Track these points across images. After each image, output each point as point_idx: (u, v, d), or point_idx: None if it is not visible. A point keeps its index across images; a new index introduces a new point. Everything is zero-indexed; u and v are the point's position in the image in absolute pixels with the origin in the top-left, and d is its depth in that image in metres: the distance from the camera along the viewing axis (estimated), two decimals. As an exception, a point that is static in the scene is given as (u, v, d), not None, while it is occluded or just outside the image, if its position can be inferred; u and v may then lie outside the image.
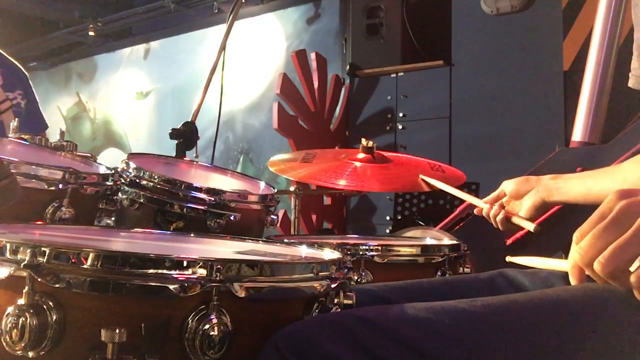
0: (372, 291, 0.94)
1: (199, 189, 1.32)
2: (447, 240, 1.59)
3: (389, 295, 0.93)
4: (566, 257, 0.84)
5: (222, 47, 2.01)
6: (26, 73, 2.66)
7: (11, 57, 2.65)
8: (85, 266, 0.65)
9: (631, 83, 1.11)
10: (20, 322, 0.62)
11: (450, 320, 0.66)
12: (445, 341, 0.65)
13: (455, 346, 0.64)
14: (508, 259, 0.96)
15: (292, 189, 2.22)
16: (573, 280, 0.71)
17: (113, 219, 1.38)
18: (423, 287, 0.98)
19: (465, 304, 0.69)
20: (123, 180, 1.34)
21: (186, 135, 1.80)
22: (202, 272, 0.67)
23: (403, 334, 0.65)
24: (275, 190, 1.57)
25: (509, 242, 2.30)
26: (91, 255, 0.66)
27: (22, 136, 1.48)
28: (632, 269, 0.64)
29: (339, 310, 0.78)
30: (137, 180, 1.32)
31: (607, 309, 0.69)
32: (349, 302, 0.79)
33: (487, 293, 0.95)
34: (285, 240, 1.19)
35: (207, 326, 0.65)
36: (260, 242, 1.10)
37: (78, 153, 1.50)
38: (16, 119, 1.59)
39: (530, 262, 0.93)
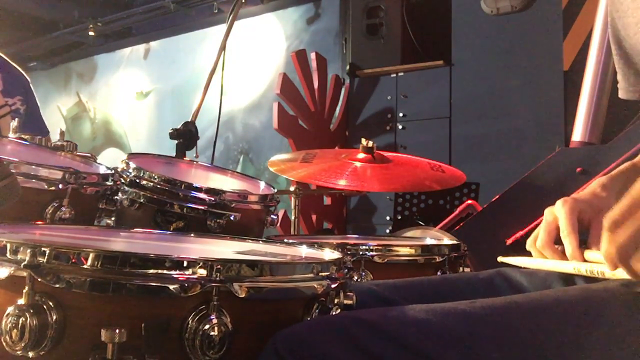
0: (371, 290, 0.94)
1: (199, 189, 1.32)
2: (447, 240, 1.59)
3: (388, 293, 0.93)
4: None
5: (222, 47, 2.01)
6: (28, 78, 2.65)
7: (11, 57, 2.64)
8: (85, 266, 0.65)
9: (621, 94, 1.14)
10: (20, 322, 0.62)
11: (450, 321, 0.67)
12: (445, 343, 0.65)
13: (455, 347, 0.64)
14: (499, 259, 0.97)
15: (292, 189, 2.22)
16: (610, 267, 0.69)
17: (113, 219, 1.38)
18: (423, 285, 0.98)
19: (465, 305, 0.70)
20: (123, 180, 1.34)
21: (186, 135, 1.80)
22: (202, 272, 0.67)
23: (403, 336, 0.65)
24: (275, 190, 1.57)
25: (509, 242, 2.30)
26: (91, 255, 0.66)
27: (22, 136, 1.48)
28: None
29: (339, 310, 0.78)
30: (137, 180, 1.32)
31: (606, 311, 0.69)
32: (349, 302, 0.79)
33: (486, 292, 0.95)
34: (285, 240, 1.19)
35: (207, 326, 0.65)
36: (261, 242, 1.10)
37: (78, 153, 1.50)
38: (16, 119, 1.59)
39: (522, 262, 0.94)
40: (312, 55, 4.19)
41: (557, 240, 0.90)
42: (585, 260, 0.84)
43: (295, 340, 0.66)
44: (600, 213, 0.89)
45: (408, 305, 0.71)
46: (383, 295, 0.92)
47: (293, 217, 2.21)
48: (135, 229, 1.15)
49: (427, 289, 0.97)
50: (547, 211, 0.92)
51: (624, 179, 0.98)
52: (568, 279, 0.92)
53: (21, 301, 0.63)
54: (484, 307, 0.69)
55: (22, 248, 0.66)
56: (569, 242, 0.86)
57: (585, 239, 0.89)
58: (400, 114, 4.02)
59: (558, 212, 0.89)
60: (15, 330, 0.62)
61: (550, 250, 0.90)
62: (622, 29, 1.04)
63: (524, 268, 0.95)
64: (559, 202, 0.90)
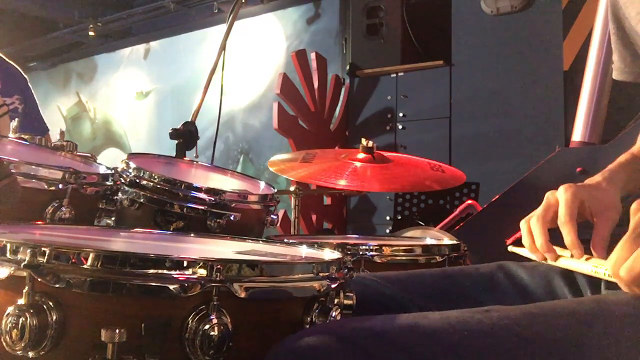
0: (373, 282, 0.93)
1: (199, 189, 1.32)
2: (447, 240, 1.59)
3: (390, 287, 0.92)
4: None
5: (222, 47, 2.01)
6: (26, 77, 2.65)
7: (11, 57, 2.64)
8: (85, 266, 0.65)
9: (615, 75, 1.14)
10: (20, 322, 0.62)
11: (468, 332, 0.65)
12: (463, 355, 0.63)
13: None
14: (510, 248, 0.97)
15: (292, 189, 2.22)
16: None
17: (113, 219, 1.38)
18: (424, 279, 0.98)
19: (480, 314, 0.68)
20: (123, 180, 1.34)
21: (186, 135, 1.80)
22: (202, 272, 0.67)
23: (417, 347, 0.63)
24: (275, 190, 1.57)
25: (509, 242, 2.30)
26: (91, 255, 0.66)
27: (22, 136, 1.48)
28: None
29: (339, 310, 0.78)
30: (137, 180, 1.32)
31: (625, 325, 0.68)
32: (349, 302, 0.79)
33: (487, 287, 0.95)
34: (285, 240, 1.19)
35: (207, 326, 0.65)
36: (261, 242, 1.10)
37: (78, 153, 1.50)
38: (16, 119, 1.59)
39: (531, 254, 0.93)
40: (312, 55, 4.19)
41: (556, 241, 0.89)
42: (584, 254, 0.84)
43: (301, 354, 0.63)
44: (606, 211, 0.87)
45: (420, 314, 0.69)
46: (384, 289, 0.92)
47: (293, 217, 2.21)
48: (135, 229, 1.15)
49: (428, 282, 0.97)
50: (550, 193, 0.90)
51: (628, 172, 0.98)
52: (568, 274, 0.92)
53: (21, 301, 0.63)
54: (501, 317, 0.67)
55: (22, 248, 0.66)
56: (567, 231, 0.84)
57: (587, 238, 0.88)
58: (400, 114, 4.02)
59: (560, 197, 0.88)
60: (15, 330, 0.62)
61: (540, 230, 0.87)
62: (623, 7, 1.03)
63: (527, 262, 0.95)
64: (561, 188, 0.89)
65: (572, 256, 0.84)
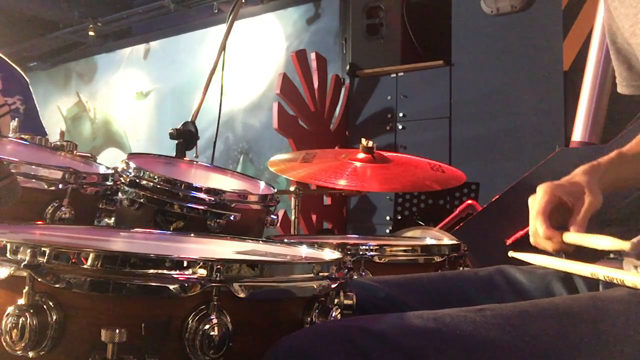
0: (372, 286, 0.94)
1: (199, 189, 1.32)
2: (447, 240, 1.59)
3: (388, 290, 0.92)
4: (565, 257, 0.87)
5: (222, 47, 2.01)
6: (27, 79, 2.65)
7: (11, 57, 2.64)
8: (85, 266, 0.65)
9: (618, 89, 1.14)
10: (20, 322, 0.62)
11: (460, 332, 0.65)
12: (455, 354, 0.63)
13: (465, 359, 0.63)
14: (510, 254, 0.97)
15: (292, 189, 2.22)
16: None
17: (113, 219, 1.38)
18: (422, 282, 0.98)
19: (474, 314, 0.68)
20: (123, 180, 1.34)
21: (186, 135, 1.80)
22: (203, 272, 0.67)
23: (410, 346, 0.63)
24: (275, 190, 1.57)
25: (509, 242, 2.30)
26: (91, 255, 0.66)
27: (22, 136, 1.48)
28: None
29: (339, 310, 0.78)
30: (137, 180, 1.32)
31: (619, 322, 0.68)
32: (349, 302, 0.79)
33: (486, 290, 0.95)
34: (285, 240, 1.19)
35: (207, 326, 0.65)
36: (261, 242, 1.10)
37: (78, 153, 1.50)
38: (16, 119, 1.59)
39: (532, 259, 0.93)
40: (312, 55, 4.19)
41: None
42: (563, 241, 0.86)
43: (299, 352, 0.64)
44: (581, 197, 0.90)
45: (415, 313, 0.69)
46: (383, 292, 0.92)
47: (293, 217, 2.21)
48: (135, 229, 1.15)
49: (427, 286, 0.97)
50: (531, 200, 0.94)
51: (610, 164, 0.98)
52: (566, 278, 0.92)
53: (21, 301, 0.63)
54: (494, 316, 0.68)
55: (22, 248, 0.66)
56: (540, 223, 0.88)
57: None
58: (400, 114, 4.02)
59: (536, 195, 0.91)
60: (15, 330, 0.62)
61: (542, 220, 0.90)
62: (617, 19, 1.03)
63: (524, 265, 0.95)
64: (538, 187, 0.92)
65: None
